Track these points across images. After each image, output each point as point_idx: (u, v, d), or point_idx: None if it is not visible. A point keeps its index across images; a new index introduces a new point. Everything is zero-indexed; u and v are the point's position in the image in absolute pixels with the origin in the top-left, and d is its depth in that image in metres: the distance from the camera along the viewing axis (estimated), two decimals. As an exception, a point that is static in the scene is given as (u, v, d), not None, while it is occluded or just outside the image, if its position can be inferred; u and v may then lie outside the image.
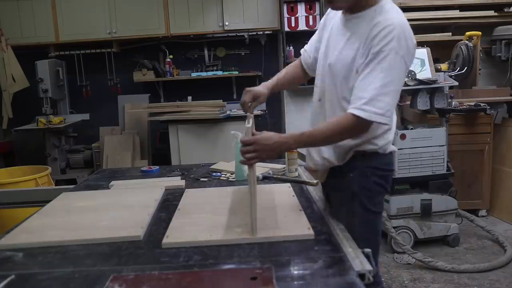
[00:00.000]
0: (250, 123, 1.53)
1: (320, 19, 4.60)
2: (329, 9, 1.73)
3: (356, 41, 1.55)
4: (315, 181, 1.88)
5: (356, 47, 1.54)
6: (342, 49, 1.59)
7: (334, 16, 1.71)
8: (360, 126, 1.50)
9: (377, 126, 1.58)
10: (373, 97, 1.46)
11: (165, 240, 1.42)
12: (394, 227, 3.36)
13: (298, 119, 4.69)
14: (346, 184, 1.68)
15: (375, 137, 1.63)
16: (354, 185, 1.66)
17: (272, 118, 4.66)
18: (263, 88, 1.83)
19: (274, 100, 4.87)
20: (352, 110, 1.49)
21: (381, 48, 1.46)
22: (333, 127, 1.53)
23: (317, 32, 1.86)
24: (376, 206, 1.71)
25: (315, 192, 1.96)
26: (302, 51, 1.93)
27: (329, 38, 1.69)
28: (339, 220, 1.62)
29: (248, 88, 1.80)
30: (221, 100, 4.50)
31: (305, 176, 2.21)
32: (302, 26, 4.46)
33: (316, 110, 1.75)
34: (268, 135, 1.51)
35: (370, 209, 1.68)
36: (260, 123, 4.61)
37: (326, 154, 1.69)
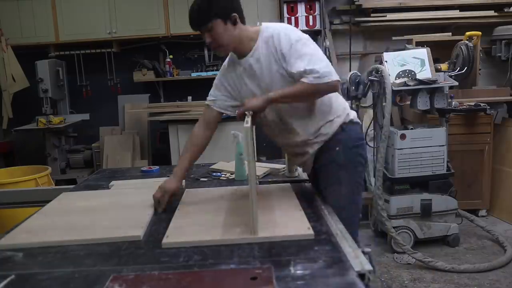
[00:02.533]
0: (248, 123, 1.56)
1: (320, 19, 4.59)
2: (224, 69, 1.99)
3: (269, 63, 1.81)
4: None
5: (274, 63, 1.80)
6: (266, 75, 1.83)
7: (230, 71, 1.95)
8: (320, 88, 1.75)
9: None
10: (311, 69, 1.71)
11: (165, 240, 1.42)
12: (394, 227, 3.35)
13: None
14: (333, 156, 1.90)
15: (330, 118, 1.91)
16: (341, 156, 1.89)
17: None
18: (175, 182, 1.89)
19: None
20: (306, 80, 1.72)
21: (290, 45, 1.75)
22: (301, 90, 1.75)
23: (218, 85, 2.01)
24: (360, 175, 1.95)
25: (315, 191, 1.96)
26: (211, 104, 2.04)
27: (242, 82, 1.91)
28: (327, 194, 1.89)
29: (161, 186, 1.86)
30: (221, 100, 4.49)
31: (305, 176, 2.21)
32: (302, 26, 4.45)
33: (280, 127, 1.94)
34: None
35: (355, 178, 1.92)
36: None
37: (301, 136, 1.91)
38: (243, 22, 1.84)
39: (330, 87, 1.76)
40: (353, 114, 1.98)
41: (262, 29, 1.84)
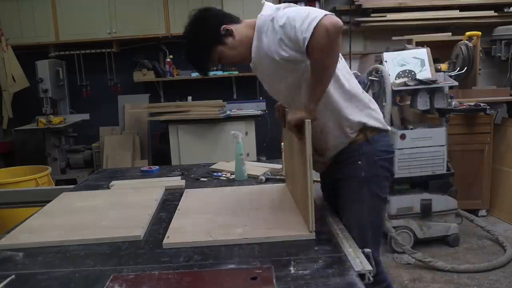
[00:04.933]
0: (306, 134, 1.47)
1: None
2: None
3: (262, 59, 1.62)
4: (318, 179, 1.92)
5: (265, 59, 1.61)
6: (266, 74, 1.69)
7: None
8: (323, 39, 1.44)
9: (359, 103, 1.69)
10: (297, 27, 1.46)
11: (165, 241, 1.42)
12: (394, 227, 3.35)
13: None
14: (355, 171, 1.70)
15: (369, 112, 1.71)
16: (363, 172, 1.69)
17: (272, 118, 4.66)
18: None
19: (274, 101, 4.85)
20: (307, 42, 1.45)
21: (279, 19, 1.52)
22: (315, 69, 1.53)
23: None
24: (383, 191, 1.75)
25: (315, 191, 1.96)
26: None
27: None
28: (345, 209, 1.70)
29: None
30: (221, 100, 4.49)
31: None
32: (302, 26, 4.45)
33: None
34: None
35: (378, 194, 1.72)
36: (260, 123, 4.62)
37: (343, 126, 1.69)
38: (235, 21, 1.68)
39: (330, 28, 1.43)
40: (381, 120, 1.75)
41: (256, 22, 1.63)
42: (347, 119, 1.67)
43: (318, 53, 1.46)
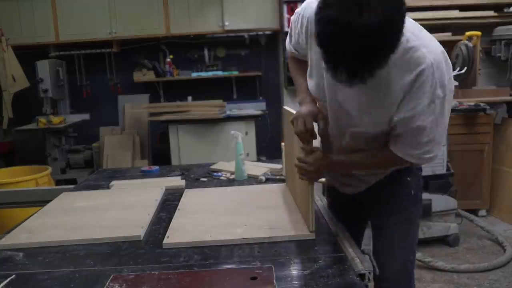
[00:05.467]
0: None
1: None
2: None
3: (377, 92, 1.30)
4: (323, 179, 1.85)
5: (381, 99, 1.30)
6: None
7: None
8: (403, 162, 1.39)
9: None
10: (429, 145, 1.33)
11: (166, 241, 1.42)
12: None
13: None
14: (403, 188, 1.56)
15: None
16: (413, 188, 1.56)
17: (272, 118, 4.66)
18: (312, 104, 1.50)
19: (274, 101, 4.87)
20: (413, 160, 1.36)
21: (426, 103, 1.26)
22: (384, 161, 1.44)
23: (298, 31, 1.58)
24: (420, 216, 1.62)
25: (315, 192, 1.96)
26: (291, 49, 1.63)
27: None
28: (390, 232, 1.55)
29: (301, 114, 1.43)
30: (221, 100, 4.50)
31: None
32: (302, 26, 4.45)
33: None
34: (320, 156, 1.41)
35: (420, 213, 1.60)
36: (260, 123, 4.62)
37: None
38: None
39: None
40: None
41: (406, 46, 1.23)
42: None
43: (389, 166, 1.47)
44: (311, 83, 1.48)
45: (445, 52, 1.30)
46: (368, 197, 1.62)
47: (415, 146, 1.33)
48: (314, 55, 1.43)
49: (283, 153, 2.15)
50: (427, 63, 1.23)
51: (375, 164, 1.47)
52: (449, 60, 1.31)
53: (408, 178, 1.55)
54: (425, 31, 1.32)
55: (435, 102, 1.25)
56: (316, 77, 1.44)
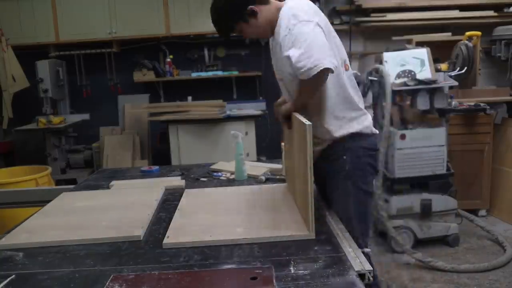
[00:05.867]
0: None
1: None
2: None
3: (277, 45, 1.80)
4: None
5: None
6: (279, 58, 1.82)
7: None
8: (312, 81, 1.65)
9: (351, 107, 1.83)
10: (300, 60, 1.63)
11: (166, 241, 1.42)
12: (394, 227, 3.35)
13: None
14: (340, 166, 1.82)
15: (355, 118, 1.84)
16: (348, 166, 1.81)
17: (272, 118, 4.66)
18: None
19: (274, 101, 4.85)
20: (300, 77, 1.67)
21: (285, 33, 1.72)
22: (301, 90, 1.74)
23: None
24: (368, 185, 1.87)
25: (315, 192, 1.96)
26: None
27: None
28: (334, 204, 1.83)
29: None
30: (221, 100, 4.49)
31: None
32: (302, 26, 4.45)
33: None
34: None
35: (362, 188, 1.83)
36: (260, 123, 4.61)
37: (327, 124, 1.83)
38: (263, 2, 1.80)
39: (320, 83, 1.70)
40: (369, 125, 1.87)
41: (281, 10, 1.78)
42: (335, 123, 1.82)
43: (304, 89, 1.72)
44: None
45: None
46: (320, 174, 1.84)
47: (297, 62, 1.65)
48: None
49: (283, 153, 2.15)
50: (283, 9, 1.76)
51: (303, 92, 1.75)
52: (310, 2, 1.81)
53: (344, 157, 1.82)
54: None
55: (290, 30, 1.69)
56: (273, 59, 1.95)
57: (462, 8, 4.52)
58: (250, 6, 1.77)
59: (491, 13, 4.51)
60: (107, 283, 1.16)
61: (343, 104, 1.81)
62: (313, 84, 1.68)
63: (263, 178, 2.19)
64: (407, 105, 3.68)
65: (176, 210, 1.73)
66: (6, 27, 4.54)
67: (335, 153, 1.83)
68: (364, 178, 1.84)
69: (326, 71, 1.62)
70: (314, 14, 1.73)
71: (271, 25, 1.80)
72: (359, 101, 1.87)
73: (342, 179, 1.82)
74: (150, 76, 4.83)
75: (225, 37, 1.91)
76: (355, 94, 1.86)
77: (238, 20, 1.80)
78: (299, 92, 1.74)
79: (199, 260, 1.30)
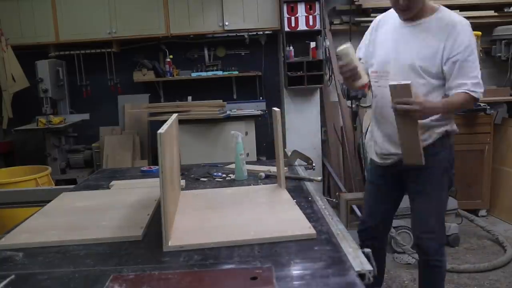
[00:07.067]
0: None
1: (320, 19, 4.57)
2: (378, 20, 2.20)
3: (430, 40, 1.96)
4: (319, 178, 2.07)
5: (434, 42, 1.95)
6: (416, 47, 1.98)
7: (382, 25, 2.14)
8: (473, 101, 1.95)
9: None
10: (476, 83, 1.93)
11: (165, 241, 1.42)
12: (394, 227, 3.35)
13: (298, 119, 4.68)
14: (439, 160, 2.02)
15: (451, 118, 2.09)
16: (445, 161, 2.04)
17: (272, 118, 4.66)
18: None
19: (274, 101, 4.87)
20: (468, 92, 1.91)
21: (464, 47, 1.92)
22: (461, 100, 1.93)
23: (367, 40, 2.23)
24: (452, 182, 2.13)
25: (315, 192, 1.96)
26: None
27: (387, 39, 2.09)
28: (423, 196, 2.06)
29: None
30: (221, 100, 4.49)
31: (307, 174, 2.21)
32: (302, 26, 4.45)
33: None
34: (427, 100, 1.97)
35: (451, 184, 2.09)
36: (260, 123, 4.62)
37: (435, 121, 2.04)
38: None
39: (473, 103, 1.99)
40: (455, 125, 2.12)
41: (439, 9, 2.00)
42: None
43: (464, 106, 2.00)
44: (375, 61, 2.14)
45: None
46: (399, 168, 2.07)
47: (465, 75, 1.94)
48: (379, 36, 2.13)
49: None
50: (452, 16, 1.99)
51: (459, 103, 1.97)
52: None
53: (443, 152, 2.03)
54: None
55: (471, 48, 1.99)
56: (382, 51, 2.10)
57: (462, 8, 4.52)
58: None
59: (491, 13, 4.51)
60: (107, 283, 1.15)
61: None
62: (466, 107, 2.01)
63: (263, 174, 2.20)
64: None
65: (176, 210, 1.73)
66: (6, 27, 4.53)
67: (435, 148, 2.01)
68: (452, 175, 2.09)
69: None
70: None
71: (420, 10, 1.95)
72: None
73: (440, 173, 2.03)
74: (150, 76, 4.83)
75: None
76: None
77: None
78: (459, 105, 1.96)
79: (199, 260, 1.29)
